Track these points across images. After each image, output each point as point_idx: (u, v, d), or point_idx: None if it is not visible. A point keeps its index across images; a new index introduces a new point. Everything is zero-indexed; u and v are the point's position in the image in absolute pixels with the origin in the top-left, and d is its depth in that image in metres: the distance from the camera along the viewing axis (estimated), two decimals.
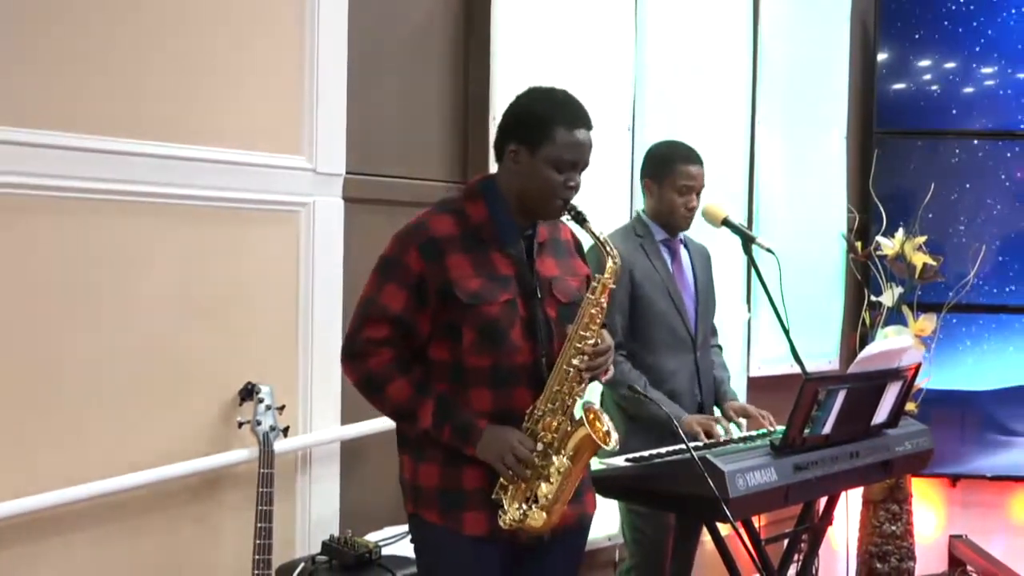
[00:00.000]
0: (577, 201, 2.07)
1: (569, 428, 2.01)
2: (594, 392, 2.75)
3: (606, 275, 2.04)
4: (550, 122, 2.03)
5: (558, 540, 2.10)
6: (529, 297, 2.07)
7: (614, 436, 2.01)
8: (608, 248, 2.04)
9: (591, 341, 2.01)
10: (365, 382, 2.08)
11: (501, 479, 2.01)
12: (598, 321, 2.02)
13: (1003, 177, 4.70)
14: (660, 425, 2.52)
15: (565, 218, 2.11)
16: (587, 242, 2.21)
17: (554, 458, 1.99)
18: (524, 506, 1.99)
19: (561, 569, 2.19)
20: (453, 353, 2.04)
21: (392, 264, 2.05)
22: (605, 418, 2.03)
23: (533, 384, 2.04)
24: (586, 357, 2.00)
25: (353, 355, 2.08)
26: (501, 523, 1.99)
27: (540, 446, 2.00)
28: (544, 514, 1.98)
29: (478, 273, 2.03)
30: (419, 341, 2.07)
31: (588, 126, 2.07)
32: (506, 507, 2.00)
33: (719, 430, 2.76)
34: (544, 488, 1.99)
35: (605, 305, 2.04)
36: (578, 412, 2.05)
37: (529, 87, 2.14)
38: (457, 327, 2.02)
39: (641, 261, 2.88)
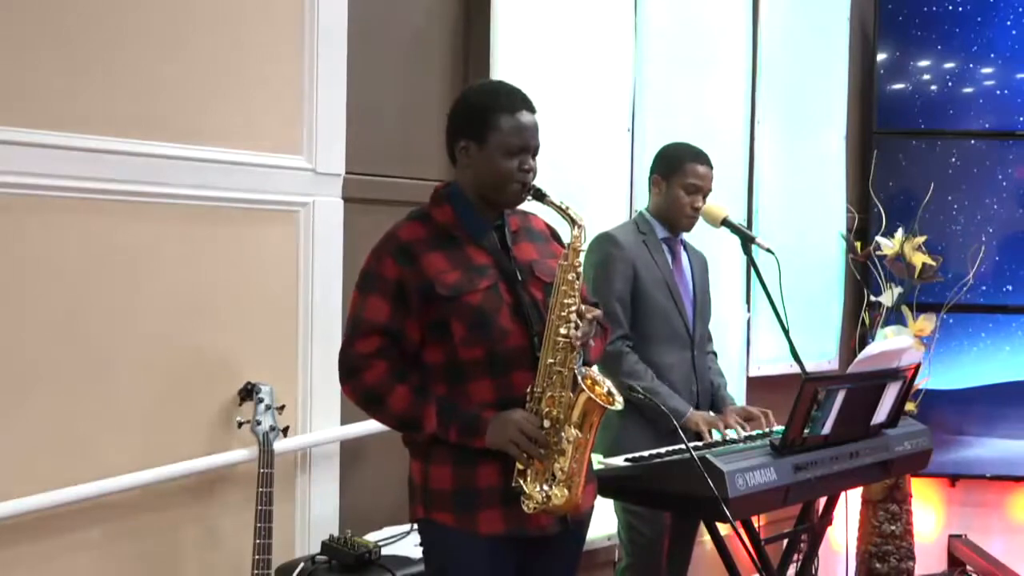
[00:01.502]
0: (535, 182, 2.09)
1: (571, 398, 2.01)
2: None
3: (573, 239, 2.04)
4: (491, 111, 2.05)
5: (565, 531, 2.10)
6: (511, 281, 2.08)
7: (618, 396, 2.01)
8: (572, 215, 2.05)
9: (573, 308, 2.01)
10: (365, 397, 2.08)
11: (518, 464, 2.00)
12: (576, 287, 2.02)
13: (1002, 177, 4.70)
14: (664, 416, 2.52)
15: (527, 200, 2.11)
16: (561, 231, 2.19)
17: (563, 431, 1.99)
18: (545, 487, 1.98)
19: (568, 560, 2.20)
20: (447, 351, 2.05)
21: (370, 277, 2.07)
22: (603, 380, 2.02)
23: (531, 367, 2.04)
24: (572, 325, 2.00)
25: (349, 372, 2.08)
26: (526, 509, 1.98)
27: (547, 422, 1.99)
28: (566, 490, 1.97)
29: (454, 267, 2.04)
30: (411, 348, 2.07)
31: (530, 109, 2.09)
32: (528, 491, 1.99)
33: (718, 435, 2.76)
34: (560, 462, 1.98)
35: (580, 270, 2.04)
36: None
37: (467, 85, 2.14)
38: (446, 324, 2.03)
39: (644, 256, 2.89)
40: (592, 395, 1.98)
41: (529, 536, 2.06)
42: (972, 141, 4.72)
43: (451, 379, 2.06)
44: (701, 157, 2.94)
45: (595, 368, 2.07)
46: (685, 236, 3.04)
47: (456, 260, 2.06)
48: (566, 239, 2.07)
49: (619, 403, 2.01)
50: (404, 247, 2.05)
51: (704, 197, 2.93)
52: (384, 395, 2.05)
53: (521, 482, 2.00)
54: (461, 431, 2.02)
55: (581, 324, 2.01)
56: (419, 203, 2.20)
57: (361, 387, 2.07)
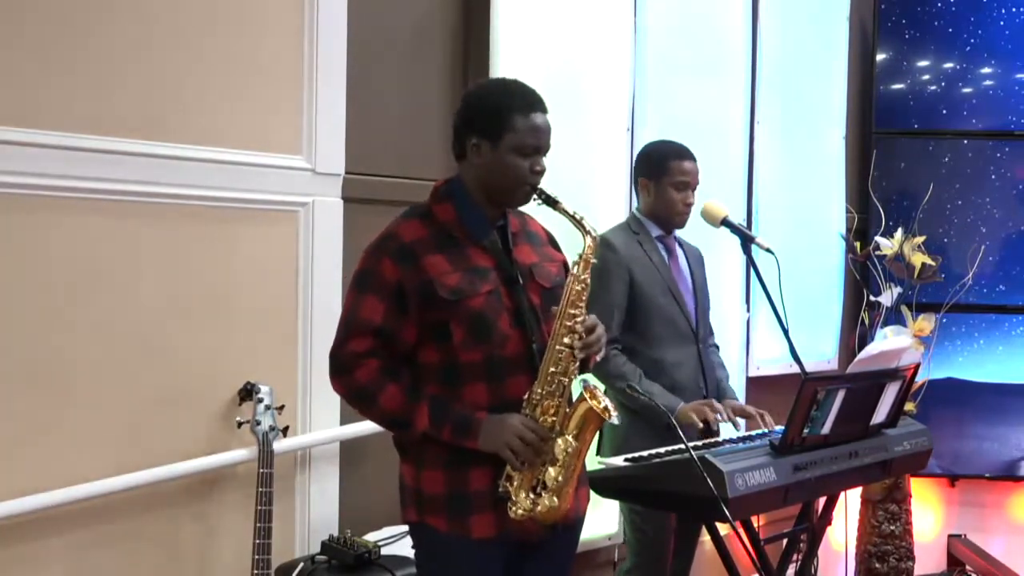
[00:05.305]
0: (544, 185, 2.07)
1: (568, 408, 2.01)
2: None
3: (586, 250, 2.03)
4: (507, 111, 2.03)
5: (557, 535, 2.09)
6: (511, 285, 2.07)
7: (613, 410, 2.01)
8: (585, 225, 2.04)
9: (580, 318, 2.00)
10: (355, 395, 2.07)
11: (507, 470, 1.99)
12: (584, 297, 2.02)
13: (999, 177, 4.70)
14: (659, 417, 2.51)
15: (536, 203, 2.09)
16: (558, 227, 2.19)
17: (559, 440, 1.98)
18: (533, 494, 1.98)
19: (560, 563, 2.20)
20: (443, 353, 2.04)
21: (367, 276, 2.05)
22: (602, 395, 2.02)
23: (527, 372, 2.03)
24: (577, 336, 1.99)
25: (339, 370, 2.07)
26: (512, 515, 1.98)
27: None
28: (556, 499, 1.97)
29: (456, 268, 2.02)
30: (405, 349, 2.06)
31: (544, 110, 2.08)
32: (515, 497, 1.98)
33: (712, 415, 2.75)
34: (552, 472, 1.97)
35: (589, 281, 2.04)
36: (575, 392, 2.04)
37: (478, 82, 2.13)
38: (445, 326, 2.01)
39: (639, 257, 2.89)
40: (592, 406, 1.98)
41: (521, 540, 2.05)
42: (970, 141, 4.72)
43: (446, 380, 2.05)
44: (685, 153, 2.94)
45: (597, 383, 2.06)
46: (680, 232, 3.04)
47: (457, 261, 2.04)
48: (564, 244, 2.06)
49: (616, 418, 2.00)
50: (405, 248, 2.03)
51: (693, 191, 2.93)
52: (375, 393, 2.03)
53: (508, 487, 1.99)
54: (455, 431, 2.01)
55: (586, 336, 2.00)
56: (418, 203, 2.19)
57: (353, 385, 2.06)
